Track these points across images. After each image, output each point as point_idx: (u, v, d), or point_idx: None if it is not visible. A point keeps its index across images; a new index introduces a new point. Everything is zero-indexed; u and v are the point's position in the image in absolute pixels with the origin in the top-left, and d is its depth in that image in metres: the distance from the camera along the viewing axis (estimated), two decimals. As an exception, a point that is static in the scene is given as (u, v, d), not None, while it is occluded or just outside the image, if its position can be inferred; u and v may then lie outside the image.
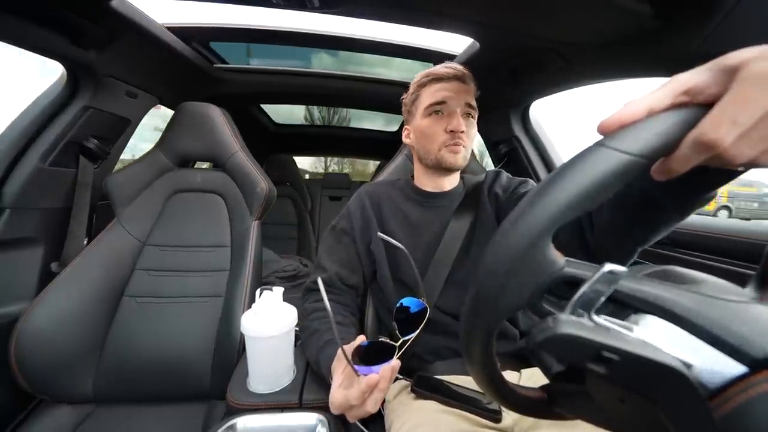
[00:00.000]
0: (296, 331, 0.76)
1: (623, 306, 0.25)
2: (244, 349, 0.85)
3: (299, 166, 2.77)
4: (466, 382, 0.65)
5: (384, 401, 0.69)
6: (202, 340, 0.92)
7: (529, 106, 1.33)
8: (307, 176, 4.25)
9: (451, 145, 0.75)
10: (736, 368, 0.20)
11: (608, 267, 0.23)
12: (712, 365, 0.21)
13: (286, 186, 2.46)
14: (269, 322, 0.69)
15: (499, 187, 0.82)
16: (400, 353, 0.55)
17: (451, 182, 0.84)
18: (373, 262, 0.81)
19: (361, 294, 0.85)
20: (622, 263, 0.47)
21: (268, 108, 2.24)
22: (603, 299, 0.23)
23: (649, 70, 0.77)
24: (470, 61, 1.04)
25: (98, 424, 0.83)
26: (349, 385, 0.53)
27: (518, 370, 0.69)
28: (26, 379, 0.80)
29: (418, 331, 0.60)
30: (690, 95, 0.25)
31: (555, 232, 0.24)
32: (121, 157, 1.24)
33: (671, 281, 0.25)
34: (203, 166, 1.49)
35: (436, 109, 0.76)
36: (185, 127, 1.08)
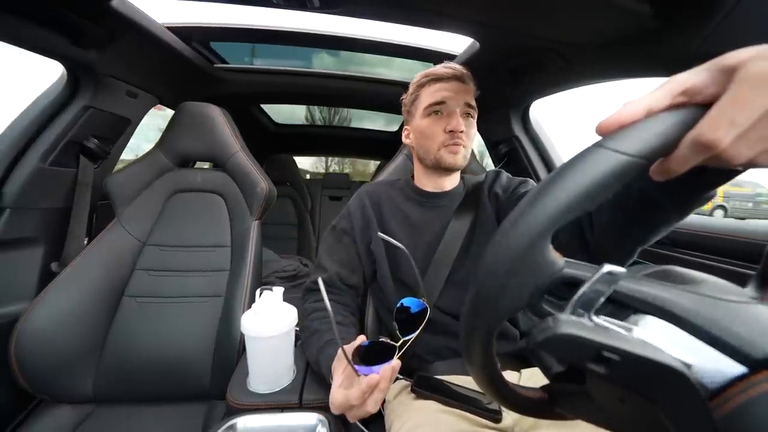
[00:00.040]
0: (296, 331, 0.76)
1: (622, 306, 0.25)
2: (244, 349, 0.85)
3: (300, 166, 2.77)
4: (466, 382, 0.65)
5: (384, 401, 0.69)
6: (202, 340, 0.92)
7: (529, 106, 1.33)
8: (308, 176, 4.25)
9: (450, 145, 0.75)
10: (736, 368, 0.20)
11: (607, 268, 0.23)
12: (712, 365, 0.21)
13: (286, 186, 2.46)
14: (269, 322, 0.69)
15: (499, 187, 0.82)
16: (400, 353, 0.55)
17: (451, 182, 0.84)
18: (373, 262, 0.81)
19: (361, 294, 0.85)
20: (622, 263, 0.48)
21: (268, 108, 2.24)
22: (603, 299, 0.23)
23: (649, 70, 0.77)
24: (470, 61, 1.04)
25: (98, 424, 0.83)
26: (349, 385, 0.53)
27: (518, 370, 0.69)
28: (26, 378, 0.80)
29: (418, 331, 0.60)
30: (688, 95, 0.25)
31: (555, 233, 0.24)
32: (124, 157, 1.24)
33: (671, 281, 0.25)
34: (203, 166, 1.48)
35: (436, 109, 0.76)
36: (185, 127, 1.08)
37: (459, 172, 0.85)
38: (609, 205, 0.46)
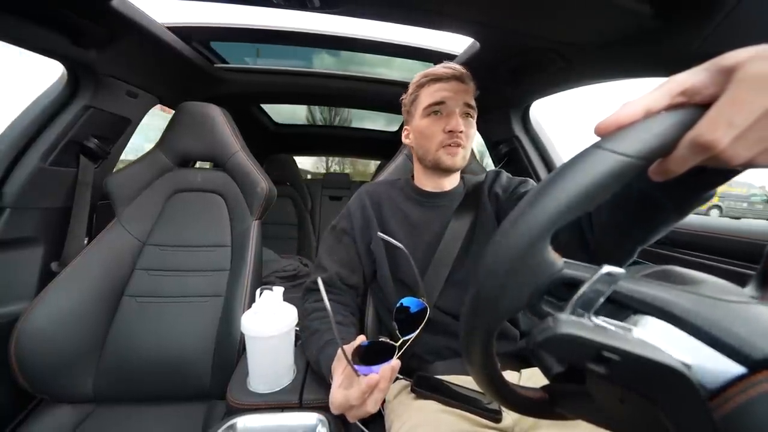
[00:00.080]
0: (296, 330, 0.76)
1: (622, 307, 0.25)
2: (244, 348, 0.85)
3: (300, 166, 2.76)
4: (466, 382, 0.65)
5: (384, 401, 0.69)
6: (203, 340, 0.92)
7: (529, 106, 1.33)
8: (309, 176, 4.25)
9: (448, 145, 0.75)
10: (736, 368, 0.20)
11: (606, 269, 0.23)
12: (712, 366, 0.21)
13: (287, 186, 2.46)
14: (269, 321, 0.69)
15: (499, 187, 0.82)
16: (400, 353, 0.55)
17: (451, 182, 0.84)
18: (373, 262, 0.81)
19: (361, 294, 0.85)
20: (623, 263, 0.48)
21: (268, 108, 2.24)
22: (602, 300, 0.23)
23: (649, 70, 0.77)
24: (470, 61, 1.04)
25: (98, 423, 0.83)
26: (349, 385, 0.53)
27: (518, 370, 0.69)
28: (26, 378, 0.80)
29: (418, 331, 0.60)
30: (687, 96, 0.25)
31: (555, 233, 0.24)
32: (126, 157, 1.24)
33: (671, 281, 0.25)
34: (204, 166, 1.48)
35: (435, 109, 0.76)
36: (185, 127, 1.08)
37: (459, 172, 0.85)
38: (608, 205, 0.46)
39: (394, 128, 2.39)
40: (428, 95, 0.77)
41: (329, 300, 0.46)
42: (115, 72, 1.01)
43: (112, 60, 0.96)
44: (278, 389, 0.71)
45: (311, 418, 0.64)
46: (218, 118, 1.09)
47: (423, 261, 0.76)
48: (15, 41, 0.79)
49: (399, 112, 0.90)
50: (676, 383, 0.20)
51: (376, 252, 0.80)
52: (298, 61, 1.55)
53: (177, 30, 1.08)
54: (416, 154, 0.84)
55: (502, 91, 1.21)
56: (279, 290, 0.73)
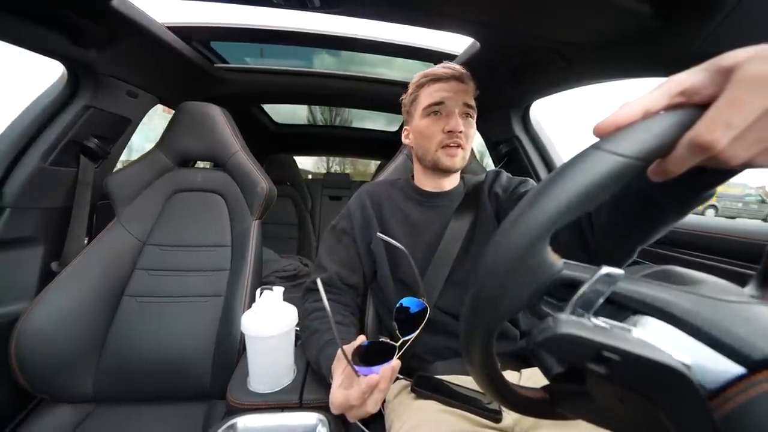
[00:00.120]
0: (296, 330, 0.76)
1: (621, 308, 0.25)
2: (244, 348, 0.85)
3: (301, 166, 2.76)
4: (466, 382, 0.65)
5: (384, 401, 0.69)
6: (203, 340, 0.92)
7: (529, 106, 1.33)
8: (309, 176, 4.24)
9: (448, 146, 0.75)
10: (736, 368, 0.20)
11: (605, 270, 0.23)
12: (712, 365, 0.21)
13: (287, 186, 2.46)
14: (269, 321, 0.69)
15: (499, 187, 0.82)
16: (400, 353, 0.55)
17: (451, 182, 0.84)
18: (373, 262, 0.81)
19: (361, 294, 0.85)
20: (623, 262, 0.48)
21: (269, 108, 2.24)
22: (602, 300, 0.23)
23: (649, 70, 0.77)
24: (471, 61, 1.04)
25: (98, 423, 0.83)
26: (349, 385, 0.53)
27: (518, 370, 0.69)
28: (26, 378, 0.80)
29: (418, 331, 0.60)
30: (686, 96, 0.25)
31: (555, 233, 0.24)
32: (127, 157, 1.24)
33: (671, 281, 0.25)
34: (204, 166, 1.49)
35: (435, 109, 0.76)
36: (186, 127, 1.08)
37: (459, 172, 0.84)
38: (608, 205, 0.46)
39: (395, 128, 2.39)
40: (428, 95, 0.77)
41: (329, 300, 0.46)
42: (116, 72, 1.01)
43: (112, 60, 0.96)
44: (278, 389, 0.71)
45: (311, 418, 0.64)
46: (218, 117, 1.09)
47: (423, 261, 0.76)
48: (15, 41, 0.79)
49: (399, 112, 0.90)
50: (676, 383, 0.20)
51: (376, 252, 0.80)
52: (299, 61, 1.55)
53: (177, 30, 1.08)
54: (416, 155, 0.84)
55: (502, 91, 1.21)
56: (279, 290, 0.73)
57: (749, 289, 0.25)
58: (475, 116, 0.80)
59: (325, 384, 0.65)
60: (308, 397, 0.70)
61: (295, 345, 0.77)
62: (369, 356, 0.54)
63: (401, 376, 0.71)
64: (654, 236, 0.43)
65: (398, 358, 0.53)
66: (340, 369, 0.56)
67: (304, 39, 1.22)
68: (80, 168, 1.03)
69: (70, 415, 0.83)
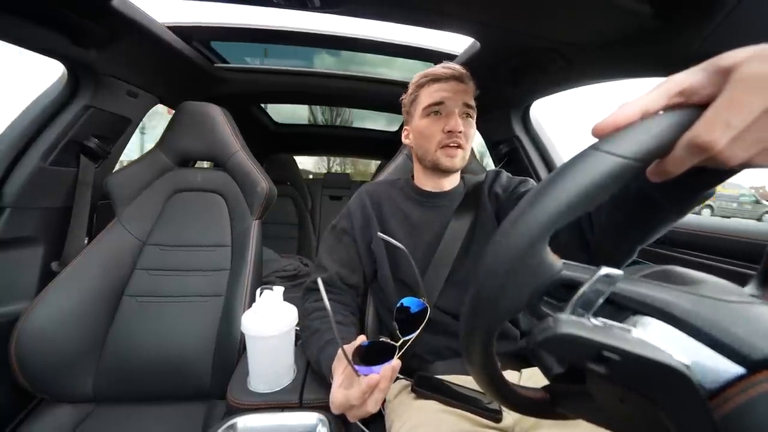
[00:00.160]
0: (297, 330, 0.76)
1: (621, 308, 0.25)
2: (244, 348, 0.85)
3: (302, 167, 2.76)
4: (466, 381, 0.65)
5: (384, 401, 0.69)
6: (203, 340, 0.92)
7: (529, 105, 1.33)
8: (310, 176, 4.25)
9: (447, 146, 0.75)
10: (736, 368, 0.20)
11: (604, 271, 0.23)
12: (712, 365, 0.21)
13: (287, 185, 2.46)
14: (270, 321, 0.69)
15: (499, 187, 0.82)
16: (400, 353, 0.55)
17: (451, 182, 0.84)
18: (373, 262, 0.82)
19: (361, 293, 0.85)
20: (623, 262, 0.48)
21: (269, 107, 2.24)
22: (602, 300, 0.23)
23: (649, 70, 0.77)
24: (471, 61, 1.04)
25: (98, 423, 0.83)
26: (349, 385, 0.53)
27: (519, 370, 0.69)
28: (27, 378, 0.80)
29: (418, 331, 0.60)
30: (685, 96, 0.25)
31: (555, 233, 0.24)
32: (128, 158, 1.24)
33: (671, 282, 0.25)
34: (204, 166, 1.49)
35: (435, 109, 0.76)
36: (186, 127, 1.08)
37: (459, 171, 0.84)
38: (607, 205, 0.46)
39: (395, 128, 2.39)
40: (427, 95, 0.77)
41: (329, 300, 0.46)
42: (116, 72, 1.01)
43: (112, 60, 0.96)
44: (278, 389, 0.71)
45: (311, 417, 0.64)
46: (218, 117, 1.09)
47: (423, 261, 0.76)
48: (15, 41, 0.79)
49: (399, 112, 0.90)
50: (677, 383, 0.20)
51: (377, 252, 0.80)
52: (299, 60, 1.55)
53: (177, 30, 1.08)
54: (416, 154, 0.84)
55: (502, 91, 1.21)
56: (279, 290, 0.73)
57: (749, 289, 0.25)
58: (475, 116, 0.80)
59: (326, 384, 0.65)
60: (308, 396, 0.70)
61: (295, 345, 0.77)
62: (369, 356, 0.54)
63: (401, 376, 0.71)
64: (653, 236, 0.43)
65: (398, 357, 0.53)
66: (340, 369, 0.56)
67: (304, 39, 1.22)
68: (80, 168, 1.03)
69: (70, 414, 0.83)
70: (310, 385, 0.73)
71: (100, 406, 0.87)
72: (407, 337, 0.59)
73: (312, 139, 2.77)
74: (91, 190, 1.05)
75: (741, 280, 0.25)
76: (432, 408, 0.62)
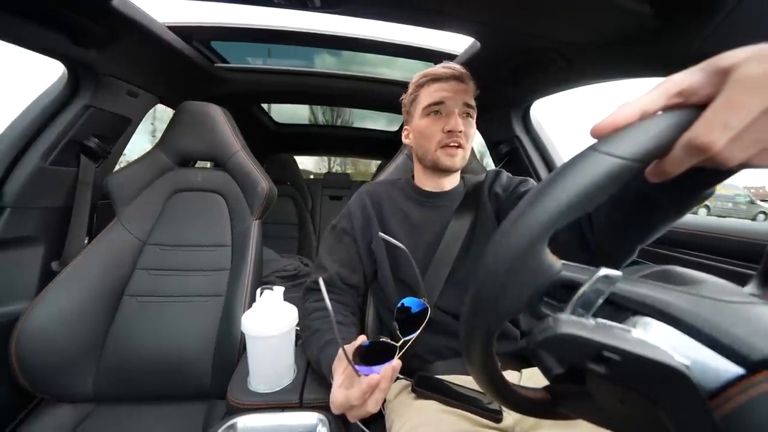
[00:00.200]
0: (297, 330, 0.76)
1: (621, 308, 0.25)
2: (244, 348, 0.85)
3: (302, 167, 2.76)
4: (466, 381, 0.65)
5: (385, 401, 0.69)
6: (203, 340, 0.92)
7: (530, 105, 1.33)
8: (311, 176, 4.24)
9: (448, 146, 0.75)
10: (736, 368, 0.20)
11: (603, 271, 0.23)
12: (712, 365, 0.21)
13: (287, 185, 2.46)
14: (270, 321, 0.69)
15: (500, 187, 0.82)
16: (401, 353, 0.55)
17: (451, 182, 0.84)
18: (373, 262, 0.82)
19: (361, 294, 0.85)
20: (622, 262, 0.48)
21: (270, 107, 2.24)
22: (601, 300, 0.23)
23: (649, 70, 0.77)
24: (471, 61, 1.04)
25: (98, 423, 0.83)
26: (349, 385, 0.53)
27: (519, 370, 0.69)
28: (27, 378, 0.80)
29: (418, 331, 0.60)
30: (683, 96, 0.25)
31: (555, 233, 0.24)
32: (129, 158, 1.24)
33: (671, 282, 0.25)
34: (204, 166, 1.49)
35: (435, 109, 0.76)
36: (186, 127, 1.08)
37: (459, 171, 0.85)
38: (607, 205, 0.46)
39: (395, 128, 2.39)
40: (427, 95, 0.77)
41: (330, 300, 0.46)
42: (116, 71, 1.01)
43: (112, 59, 0.96)
44: (278, 389, 0.71)
45: (311, 417, 0.64)
46: (219, 117, 1.09)
47: (423, 261, 0.76)
48: (15, 41, 0.79)
49: (400, 112, 0.90)
50: (677, 383, 0.20)
51: (377, 252, 0.80)
52: (299, 60, 1.55)
53: (177, 29, 1.08)
54: (416, 154, 0.84)
55: (502, 91, 1.21)
56: (279, 290, 0.73)
57: (749, 289, 0.25)
58: (475, 116, 0.80)
59: (326, 384, 0.65)
60: (308, 396, 0.70)
61: (296, 345, 0.77)
62: (370, 356, 0.54)
63: (402, 376, 0.71)
64: (653, 236, 0.43)
65: (399, 357, 0.53)
66: (340, 369, 0.56)
67: (304, 39, 1.22)
68: (80, 168, 1.04)
69: (71, 414, 0.84)
70: (310, 385, 0.73)
71: (101, 405, 0.87)
72: (408, 337, 0.59)
73: (312, 139, 2.77)
74: (91, 189, 1.05)
75: (741, 280, 0.25)
76: (432, 408, 0.62)
